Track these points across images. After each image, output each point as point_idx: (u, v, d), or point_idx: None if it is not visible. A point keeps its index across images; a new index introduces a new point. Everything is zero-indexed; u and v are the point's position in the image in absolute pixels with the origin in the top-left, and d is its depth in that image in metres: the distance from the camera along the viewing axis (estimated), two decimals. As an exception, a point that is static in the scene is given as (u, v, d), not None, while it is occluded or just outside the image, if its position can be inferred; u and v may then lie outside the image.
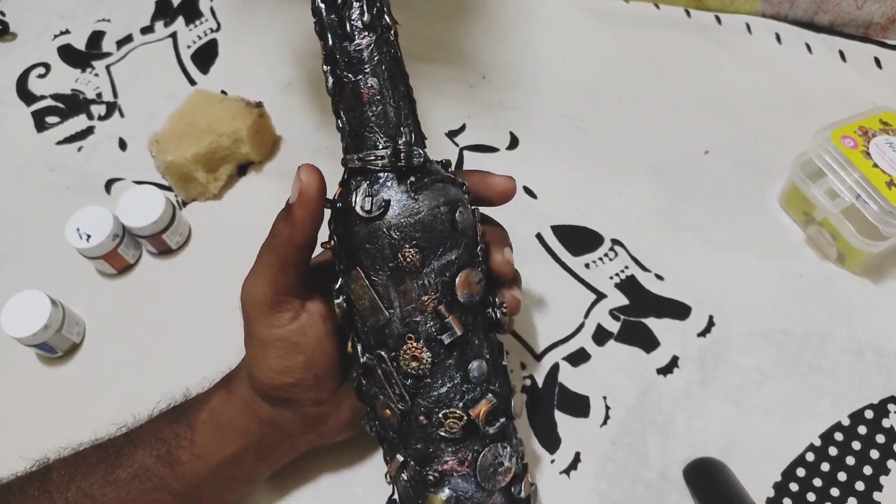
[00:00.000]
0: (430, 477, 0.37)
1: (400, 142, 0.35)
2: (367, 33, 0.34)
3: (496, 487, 0.38)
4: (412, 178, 0.35)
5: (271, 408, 0.39)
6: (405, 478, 0.39)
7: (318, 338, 0.38)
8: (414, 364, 0.36)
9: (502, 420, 0.37)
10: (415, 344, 0.36)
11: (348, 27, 0.34)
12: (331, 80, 0.35)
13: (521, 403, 0.40)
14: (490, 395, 0.37)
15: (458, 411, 0.36)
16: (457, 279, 0.35)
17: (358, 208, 0.35)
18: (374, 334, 0.37)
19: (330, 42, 0.35)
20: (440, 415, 0.36)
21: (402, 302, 0.36)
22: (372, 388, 0.38)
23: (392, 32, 0.35)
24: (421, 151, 0.35)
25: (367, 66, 0.34)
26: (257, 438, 0.40)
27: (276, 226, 0.37)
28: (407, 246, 0.34)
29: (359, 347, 0.38)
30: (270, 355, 0.38)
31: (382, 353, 0.37)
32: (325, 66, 0.36)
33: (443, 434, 0.36)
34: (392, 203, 0.35)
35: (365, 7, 0.34)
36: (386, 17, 0.34)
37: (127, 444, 0.40)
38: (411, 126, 0.36)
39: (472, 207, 0.38)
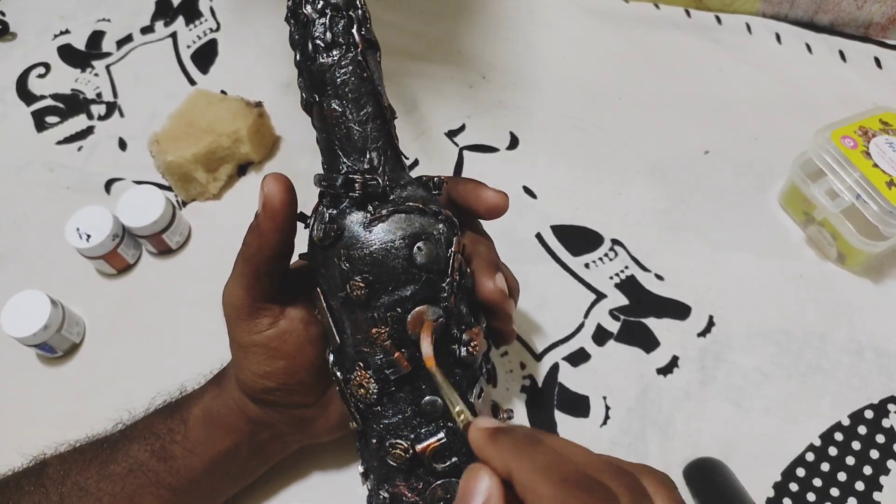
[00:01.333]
0: (382, 496, 0.37)
1: (359, 167, 0.34)
2: (329, 53, 0.33)
3: None
4: (370, 208, 0.33)
5: (258, 408, 0.39)
6: (368, 486, 0.39)
7: (299, 343, 0.38)
8: (361, 391, 0.35)
9: (454, 460, 0.36)
10: (363, 373, 0.35)
11: (310, 46, 0.33)
12: (302, 97, 0.35)
13: None
14: (443, 433, 0.35)
15: (403, 443, 0.35)
16: (409, 316, 0.34)
17: (313, 233, 0.35)
18: (335, 353, 0.37)
19: (297, 59, 0.34)
20: (387, 444, 0.35)
21: (353, 330, 0.35)
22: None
23: (359, 51, 0.33)
24: (378, 180, 0.33)
25: (329, 88, 0.33)
26: (248, 436, 0.40)
27: (247, 236, 0.36)
28: (356, 278, 0.33)
29: (331, 358, 0.37)
30: (251, 360, 0.38)
31: (339, 373, 0.36)
32: (298, 82, 0.35)
33: (390, 462, 0.36)
34: (345, 233, 0.33)
35: (327, 26, 0.32)
36: (355, 34, 0.33)
37: (122, 439, 0.40)
38: (380, 149, 0.34)
39: (453, 237, 0.35)
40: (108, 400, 0.50)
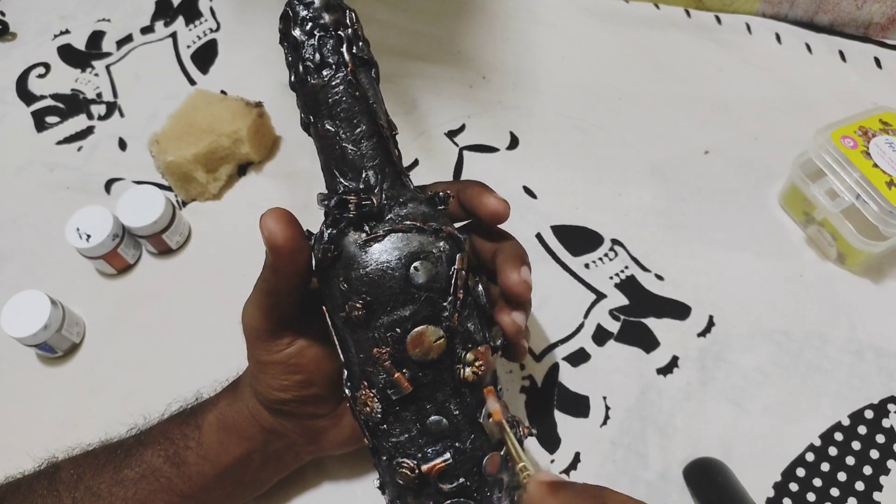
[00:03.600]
0: None
1: (355, 187, 0.34)
2: (319, 74, 0.33)
3: None
4: (367, 228, 0.33)
5: (272, 418, 0.39)
6: (386, 500, 0.38)
7: (317, 359, 0.38)
8: (367, 409, 0.35)
9: (461, 480, 0.35)
10: (367, 391, 0.35)
11: (301, 68, 0.33)
12: (301, 118, 0.35)
13: (497, 463, 0.36)
14: (449, 452, 0.35)
15: (410, 462, 0.35)
16: (408, 336, 0.33)
17: (314, 254, 0.34)
18: (345, 368, 0.37)
19: (291, 81, 0.34)
20: (394, 462, 0.35)
21: (356, 349, 0.35)
22: None
23: (349, 70, 0.33)
24: (373, 200, 0.33)
25: (322, 108, 0.33)
26: (261, 445, 0.40)
27: (264, 271, 0.36)
28: (354, 298, 0.33)
29: (345, 373, 0.37)
30: (269, 374, 0.38)
31: (346, 391, 0.36)
32: (297, 102, 0.35)
33: (399, 482, 0.35)
34: (342, 254, 0.33)
35: (315, 47, 0.32)
36: (345, 54, 0.33)
37: (136, 444, 0.40)
38: (377, 167, 0.34)
39: (457, 254, 0.34)
40: (109, 400, 0.50)
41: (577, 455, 0.47)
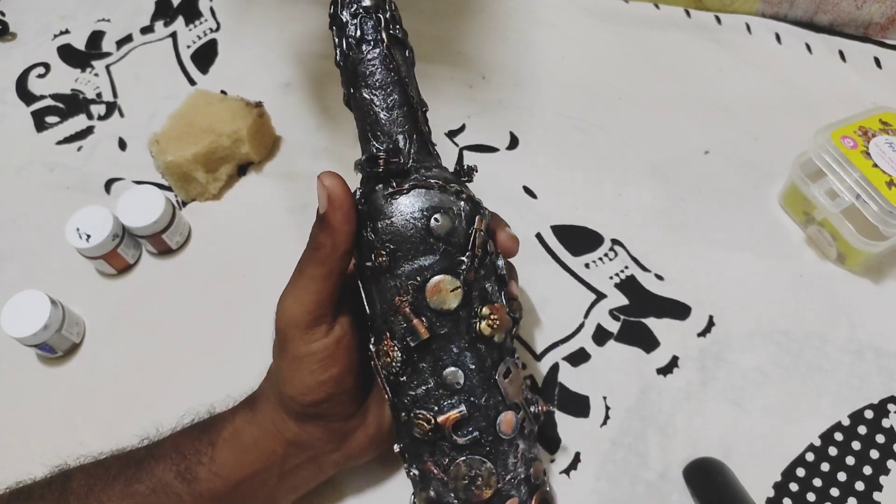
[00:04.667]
0: (412, 473, 0.38)
1: (383, 147, 0.37)
2: (360, 49, 0.37)
3: (472, 501, 0.37)
4: (393, 183, 0.36)
5: (298, 426, 0.39)
6: (405, 467, 0.40)
7: (349, 349, 0.38)
8: (387, 360, 0.37)
9: (475, 434, 0.37)
10: (389, 341, 0.37)
11: (345, 44, 0.37)
12: (344, 94, 0.39)
13: (512, 423, 0.38)
14: (464, 405, 0.37)
15: (427, 414, 0.37)
16: (427, 284, 0.36)
17: None
18: (370, 324, 0.39)
19: (336, 58, 0.38)
20: (412, 414, 0.37)
21: (380, 300, 0.37)
22: None
23: (385, 46, 0.37)
24: (401, 158, 0.37)
25: (360, 79, 0.37)
26: (280, 460, 0.39)
27: (316, 238, 0.37)
28: (379, 247, 0.36)
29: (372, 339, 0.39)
30: (305, 371, 0.37)
31: (371, 345, 0.38)
32: (342, 80, 0.39)
33: (416, 434, 0.37)
34: (370, 206, 0.36)
35: (357, 25, 0.37)
36: (382, 32, 0.37)
37: (148, 457, 0.39)
38: (406, 133, 0.37)
39: (476, 216, 0.37)
40: (109, 401, 0.50)
41: (578, 455, 0.47)
